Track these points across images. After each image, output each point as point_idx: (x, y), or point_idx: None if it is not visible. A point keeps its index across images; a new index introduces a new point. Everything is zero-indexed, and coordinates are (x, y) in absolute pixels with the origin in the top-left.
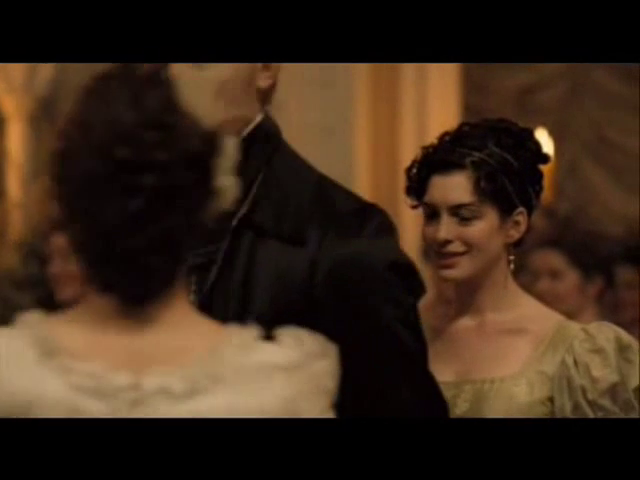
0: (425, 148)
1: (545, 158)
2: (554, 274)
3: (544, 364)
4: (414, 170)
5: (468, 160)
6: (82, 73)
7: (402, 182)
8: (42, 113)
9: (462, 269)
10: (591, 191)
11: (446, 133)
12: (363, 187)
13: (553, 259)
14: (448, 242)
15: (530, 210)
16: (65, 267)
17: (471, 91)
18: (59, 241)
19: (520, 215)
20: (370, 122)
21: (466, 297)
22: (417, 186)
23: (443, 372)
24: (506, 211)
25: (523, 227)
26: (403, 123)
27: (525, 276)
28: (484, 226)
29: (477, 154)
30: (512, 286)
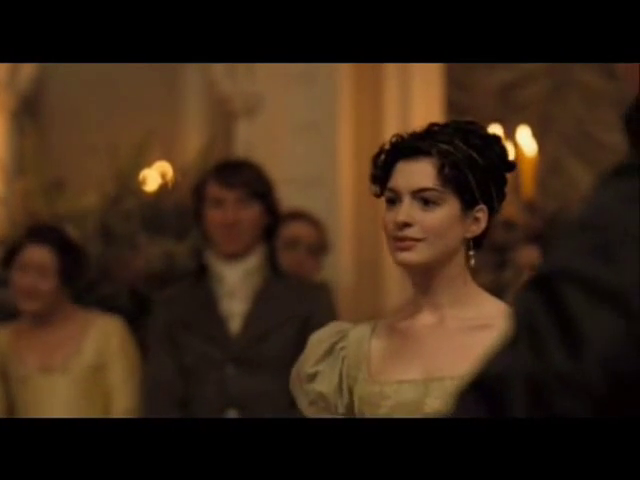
0: (394, 136)
1: (511, 165)
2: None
3: None
4: (382, 157)
5: (435, 149)
6: (65, 70)
7: None
8: (25, 109)
9: (418, 254)
10: (574, 187)
11: (415, 131)
12: (346, 183)
13: (535, 255)
14: (407, 225)
15: (491, 210)
16: (35, 281)
17: (453, 88)
18: (35, 254)
19: (481, 212)
20: (354, 118)
21: (423, 289)
22: (382, 173)
23: (408, 370)
24: (467, 204)
25: (483, 224)
26: (387, 119)
27: (511, 272)
28: (445, 213)
29: (444, 145)
30: (471, 284)
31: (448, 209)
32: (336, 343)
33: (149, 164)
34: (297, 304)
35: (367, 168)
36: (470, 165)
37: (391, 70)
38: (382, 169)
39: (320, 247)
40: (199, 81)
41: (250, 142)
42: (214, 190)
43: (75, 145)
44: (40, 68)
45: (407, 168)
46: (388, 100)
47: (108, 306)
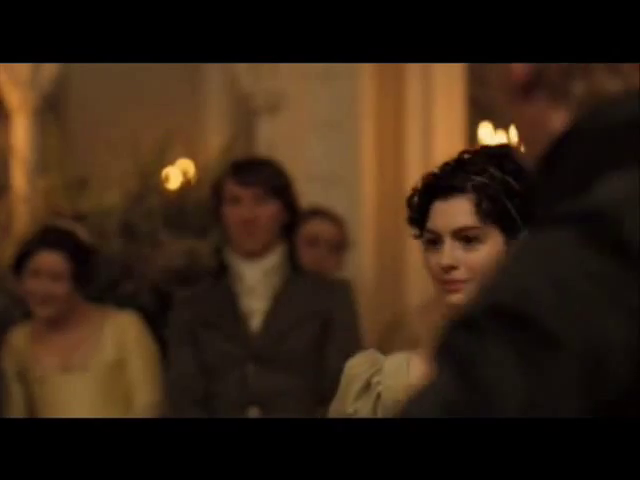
0: (425, 176)
1: None
2: None
3: None
4: (415, 198)
5: (469, 184)
6: (87, 68)
7: (407, 176)
8: (48, 107)
9: (469, 295)
10: None
11: (446, 163)
12: (368, 181)
13: None
14: (452, 268)
15: None
16: (48, 287)
17: (476, 85)
18: (47, 260)
19: None
20: (375, 115)
21: None
22: (419, 215)
23: None
24: (511, 234)
25: None
26: (409, 116)
27: None
28: (489, 250)
29: (478, 178)
30: None
31: (491, 244)
32: (372, 377)
33: (171, 162)
34: (317, 301)
35: (389, 166)
36: (507, 193)
37: (413, 67)
38: (418, 211)
39: (341, 244)
40: (221, 78)
41: (272, 140)
42: (231, 188)
43: (98, 143)
44: (62, 66)
45: (444, 208)
46: (410, 97)
47: (130, 304)
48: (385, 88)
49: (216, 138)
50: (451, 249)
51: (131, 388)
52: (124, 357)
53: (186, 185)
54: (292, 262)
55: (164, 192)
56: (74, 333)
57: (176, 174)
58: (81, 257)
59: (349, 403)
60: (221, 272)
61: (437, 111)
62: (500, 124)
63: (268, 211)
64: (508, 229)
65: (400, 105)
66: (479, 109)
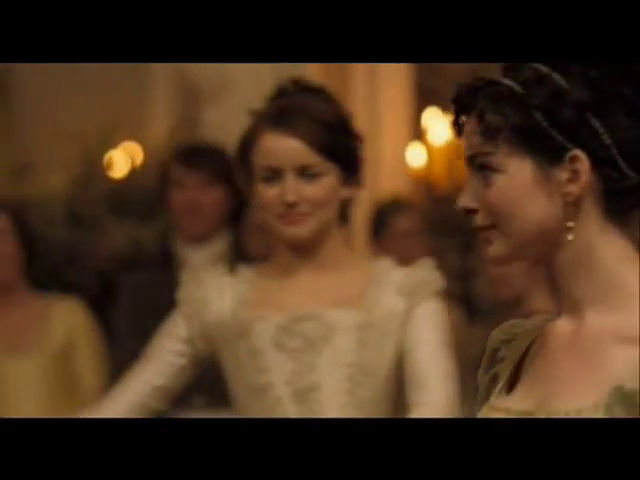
0: None
1: None
2: None
3: None
4: None
5: None
6: None
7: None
8: None
9: (496, 248)
10: None
11: None
12: None
13: None
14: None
15: (596, 152)
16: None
17: (423, 71)
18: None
19: (577, 161)
20: None
21: (555, 289)
22: None
23: (526, 394)
24: (548, 156)
25: (585, 177)
26: (355, 102)
27: (477, 257)
28: (507, 181)
29: None
30: (622, 273)
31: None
32: (498, 350)
33: (117, 147)
34: None
35: None
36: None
37: None
38: None
39: None
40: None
41: (218, 124)
42: (176, 172)
43: (43, 129)
44: None
45: None
46: (357, 83)
47: (74, 290)
48: (331, 73)
49: (162, 123)
50: None
51: (77, 375)
52: (70, 344)
53: (132, 170)
54: (238, 249)
55: (110, 178)
56: (17, 320)
57: (120, 157)
58: (27, 239)
59: (480, 374)
60: (166, 259)
61: (384, 97)
62: (448, 109)
63: (212, 196)
64: (542, 150)
65: (347, 90)
66: (427, 95)
